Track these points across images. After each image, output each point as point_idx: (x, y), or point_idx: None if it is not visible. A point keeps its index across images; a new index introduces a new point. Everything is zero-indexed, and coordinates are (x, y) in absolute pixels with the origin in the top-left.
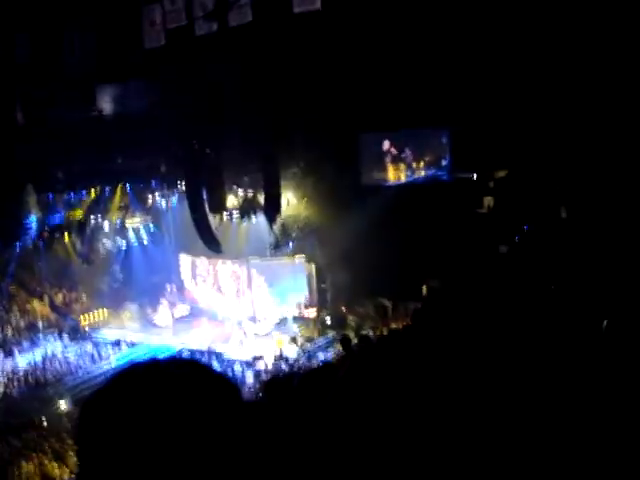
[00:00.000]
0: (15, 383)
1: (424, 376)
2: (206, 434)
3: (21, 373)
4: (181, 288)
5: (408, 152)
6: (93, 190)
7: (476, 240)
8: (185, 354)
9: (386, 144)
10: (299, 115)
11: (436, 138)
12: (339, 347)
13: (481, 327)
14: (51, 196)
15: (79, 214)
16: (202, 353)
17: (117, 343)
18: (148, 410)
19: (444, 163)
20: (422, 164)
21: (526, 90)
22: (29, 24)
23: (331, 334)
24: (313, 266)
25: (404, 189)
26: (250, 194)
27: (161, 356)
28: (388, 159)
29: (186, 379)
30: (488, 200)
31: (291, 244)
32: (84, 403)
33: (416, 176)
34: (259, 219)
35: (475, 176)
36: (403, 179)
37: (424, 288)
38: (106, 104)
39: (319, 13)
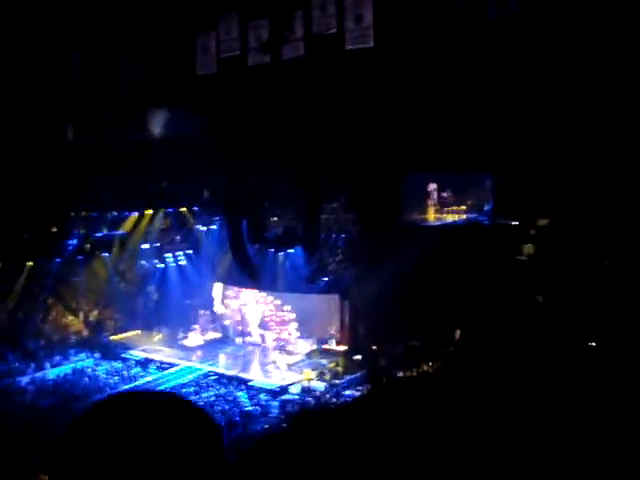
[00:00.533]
0: (44, 395)
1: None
2: (179, 470)
3: (50, 385)
4: (214, 314)
5: (450, 194)
6: (136, 211)
7: (513, 288)
8: (212, 378)
9: (431, 185)
10: (344, 151)
11: (480, 182)
12: (367, 385)
13: (511, 376)
14: (95, 214)
15: (120, 233)
16: (229, 379)
17: (146, 363)
18: (117, 445)
19: (486, 208)
20: (464, 207)
21: (573, 141)
22: (83, 45)
23: (360, 372)
24: (347, 302)
25: (444, 231)
26: (290, 226)
27: (145, 389)
28: (430, 200)
29: (163, 414)
30: (528, 248)
31: (326, 279)
32: (58, 436)
33: (457, 219)
34: (297, 252)
35: (516, 222)
36: (444, 221)
37: (457, 333)
38: (155, 128)
39: (370, 51)
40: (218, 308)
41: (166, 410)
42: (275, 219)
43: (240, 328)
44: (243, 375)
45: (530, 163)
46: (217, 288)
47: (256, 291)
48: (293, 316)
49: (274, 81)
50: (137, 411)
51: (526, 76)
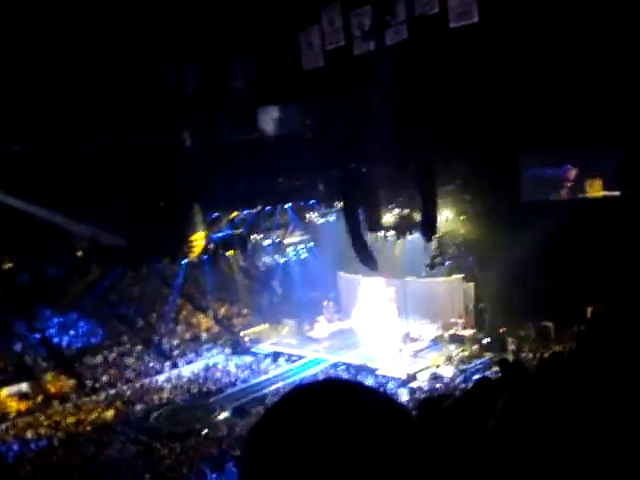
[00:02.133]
0: (179, 391)
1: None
2: (379, 463)
3: (185, 382)
4: (338, 304)
5: (574, 169)
6: (255, 209)
7: None
8: (341, 368)
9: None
10: (457, 132)
11: (603, 156)
12: (497, 369)
13: None
14: (216, 214)
15: (242, 231)
16: (357, 368)
17: (275, 356)
18: (318, 436)
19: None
20: (591, 183)
21: None
22: (196, 53)
23: (488, 356)
24: (472, 286)
25: (569, 207)
26: (406, 212)
27: (329, 377)
28: (554, 177)
29: (359, 404)
30: None
31: (447, 263)
32: (253, 427)
33: (582, 195)
34: (415, 237)
35: None
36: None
37: (589, 311)
38: (267, 126)
39: (476, 26)
40: (346, 301)
41: (363, 401)
42: (391, 206)
43: (364, 317)
44: (370, 364)
45: None
46: (343, 282)
47: (384, 281)
48: (420, 303)
49: (381, 68)
50: (333, 403)
51: None
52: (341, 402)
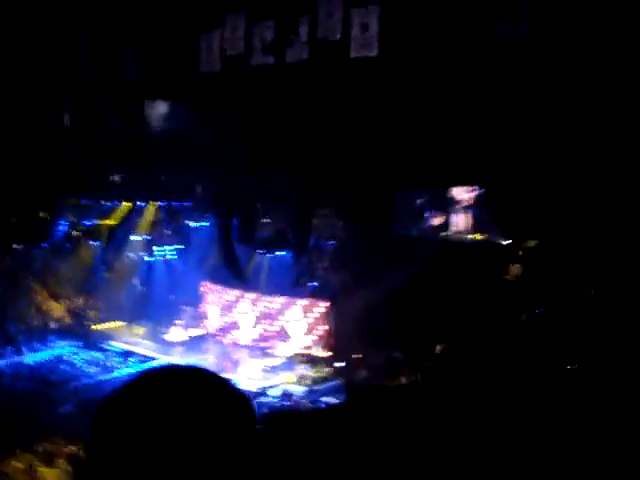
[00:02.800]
0: (20, 379)
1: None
2: (219, 442)
3: (27, 370)
4: (197, 311)
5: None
6: (128, 202)
7: (497, 307)
8: None
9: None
10: (339, 159)
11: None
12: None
13: (488, 394)
14: (86, 202)
15: (110, 223)
16: None
17: (126, 355)
18: (161, 416)
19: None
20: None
21: (566, 163)
22: (90, 35)
23: (340, 380)
24: (334, 309)
25: (433, 245)
26: (280, 227)
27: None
28: (422, 214)
29: (200, 386)
30: (515, 268)
31: (312, 284)
32: (100, 405)
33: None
34: (286, 255)
35: (505, 242)
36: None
37: (437, 347)
38: (154, 121)
39: (374, 60)
40: (205, 309)
41: (205, 383)
42: (266, 221)
43: (222, 327)
44: (223, 375)
45: (522, 182)
46: (205, 290)
47: (247, 295)
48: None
49: (277, 82)
50: (177, 384)
51: (526, 95)
52: (183, 384)
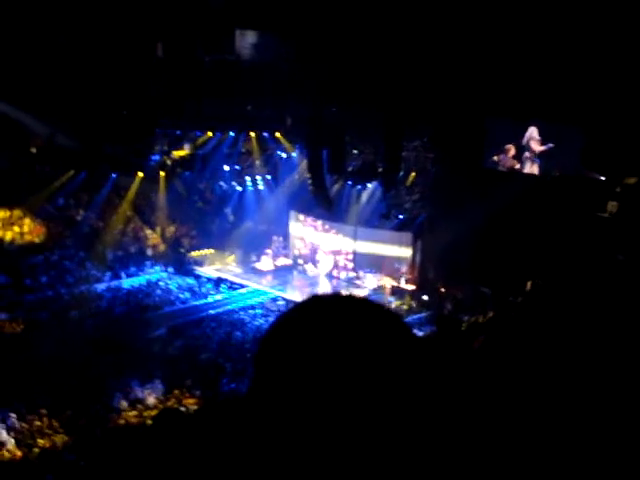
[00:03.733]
0: (117, 302)
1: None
2: (388, 371)
3: (124, 294)
4: (287, 241)
5: (537, 143)
6: (219, 132)
7: (593, 244)
8: (280, 303)
9: (529, 134)
10: (431, 89)
11: (568, 134)
12: (432, 326)
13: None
14: (178, 132)
15: (202, 153)
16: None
17: (218, 282)
18: (331, 341)
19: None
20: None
21: None
22: None
23: (426, 312)
24: (419, 242)
25: (525, 180)
26: (369, 159)
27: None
28: (514, 147)
29: (365, 314)
30: (612, 205)
31: (401, 216)
32: (268, 330)
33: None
34: (373, 186)
35: (603, 178)
36: (527, 170)
37: (528, 284)
38: (243, 50)
39: None
40: (293, 239)
41: (369, 312)
42: (355, 152)
43: (310, 257)
44: None
45: (622, 120)
46: (294, 220)
47: (336, 226)
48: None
49: (361, 10)
50: (345, 312)
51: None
52: (350, 311)
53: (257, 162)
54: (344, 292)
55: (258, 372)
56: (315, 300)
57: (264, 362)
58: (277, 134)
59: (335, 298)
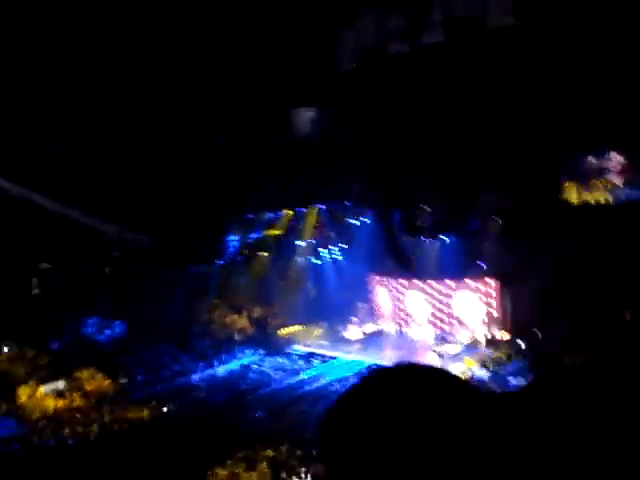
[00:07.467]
0: (215, 390)
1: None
2: (450, 437)
3: (219, 381)
4: (371, 306)
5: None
6: (290, 210)
7: None
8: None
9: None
10: (498, 137)
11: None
12: (534, 372)
13: None
14: (250, 216)
15: (277, 233)
16: None
17: (309, 357)
18: (396, 415)
19: None
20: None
21: None
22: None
23: (525, 359)
24: (507, 289)
25: (611, 211)
26: (442, 213)
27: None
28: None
29: (426, 384)
30: None
31: (484, 265)
32: (329, 409)
33: (619, 197)
34: (451, 239)
35: None
36: (607, 200)
37: (627, 314)
38: (300, 128)
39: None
40: (380, 304)
41: (431, 381)
42: (427, 208)
43: (400, 320)
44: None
45: None
46: (377, 284)
47: (417, 282)
48: (457, 306)
49: (415, 71)
50: (406, 383)
51: None
52: (405, 382)
53: (330, 233)
54: (414, 361)
55: (324, 443)
56: (376, 375)
57: (330, 434)
58: (347, 203)
59: (396, 371)
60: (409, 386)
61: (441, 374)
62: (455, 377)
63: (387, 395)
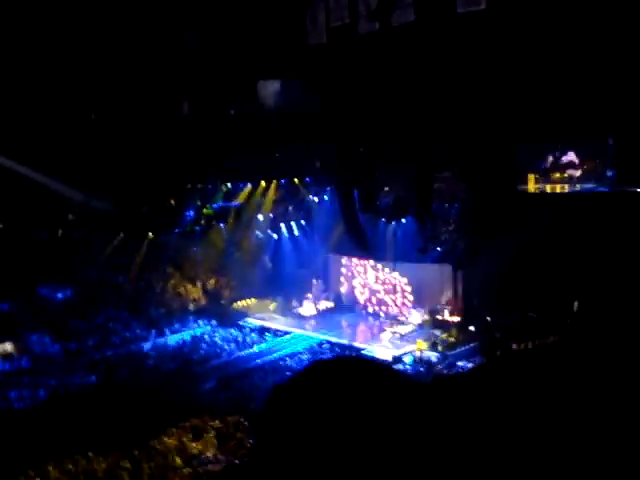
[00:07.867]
0: (166, 359)
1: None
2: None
3: (170, 351)
4: (327, 283)
5: (570, 160)
6: (250, 183)
7: (635, 259)
8: (325, 346)
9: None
10: (456, 119)
11: (598, 146)
12: (481, 357)
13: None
14: (210, 186)
15: (235, 204)
16: (343, 348)
17: (262, 331)
18: (334, 401)
19: (608, 174)
20: (579, 173)
21: None
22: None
23: (473, 343)
24: (460, 273)
25: (561, 200)
26: (401, 195)
27: (340, 355)
28: (547, 167)
29: (359, 378)
30: None
31: (439, 249)
32: (276, 386)
33: (574, 187)
34: (407, 221)
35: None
36: (560, 189)
37: (575, 304)
38: (267, 99)
39: (483, 13)
40: (334, 281)
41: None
42: (386, 189)
43: (352, 298)
44: (356, 344)
45: None
46: (333, 262)
47: (374, 263)
48: (408, 288)
49: (384, 49)
50: (346, 375)
51: None
52: (346, 373)
53: (290, 208)
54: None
55: (262, 432)
56: (315, 367)
57: (267, 423)
58: (307, 179)
59: (333, 364)
60: (343, 380)
61: (375, 368)
62: (388, 370)
63: (321, 388)
